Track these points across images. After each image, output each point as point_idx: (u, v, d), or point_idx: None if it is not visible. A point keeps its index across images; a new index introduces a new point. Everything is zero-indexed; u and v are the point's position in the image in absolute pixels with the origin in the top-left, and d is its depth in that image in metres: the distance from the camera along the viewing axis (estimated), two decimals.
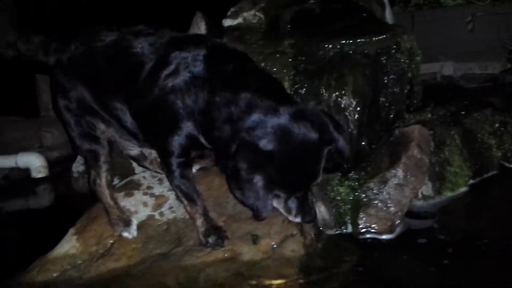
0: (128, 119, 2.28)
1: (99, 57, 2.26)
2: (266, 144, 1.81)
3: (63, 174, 3.90)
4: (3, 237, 3.11)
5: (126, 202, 2.50)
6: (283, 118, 1.82)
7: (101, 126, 2.37)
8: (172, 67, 2.03)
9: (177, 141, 2.09)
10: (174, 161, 2.15)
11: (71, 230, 2.41)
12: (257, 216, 1.91)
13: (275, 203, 2.04)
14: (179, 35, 2.23)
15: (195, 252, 2.25)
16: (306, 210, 2.03)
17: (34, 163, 3.80)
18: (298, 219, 2.06)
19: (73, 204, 3.44)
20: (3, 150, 4.09)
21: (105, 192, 2.42)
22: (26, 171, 3.86)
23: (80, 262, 2.26)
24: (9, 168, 3.85)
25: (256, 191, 1.82)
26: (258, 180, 1.80)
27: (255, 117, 1.84)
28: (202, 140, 2.06)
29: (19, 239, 3.06)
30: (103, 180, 2.42)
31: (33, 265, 2.29)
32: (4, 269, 2.46)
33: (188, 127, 2.04)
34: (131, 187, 2.59)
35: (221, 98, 1.92)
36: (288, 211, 2.07)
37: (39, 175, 3.83)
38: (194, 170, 2.56)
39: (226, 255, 2.21)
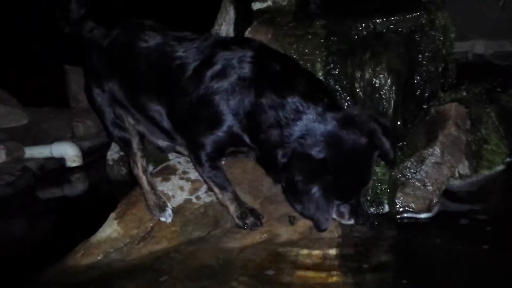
0: (164, 120, 2.30)
1: (140, 59, 2.26)
2: (318, 153, 1.82)
3: (96, 163, 3.98)
4: (42, 224, 3.22)
5: (164, 187, 2.54)
6: (331, 125, 1.83)
7: (130, 120, 2.42)
8: (218, 67, 2.03)
9: (215, 138, 2.10)
10: (206, 156, 2.18)
11: (112, 215, 2.47)
12: (317, 226, 1.90)
13: None
14: (224, 37, 2.23)
15: (233, 234, 2.29)
16: (358, 213, 2.01)
17: (68, 152, 3.89)
18: (351, 222, 2.04)
19: (109, 191, 3.51)
20: (37, 141, 4.19)
21: (142, 177, 2.47)
22: (61, 160, 3.94)
23: (122, 245, 2.32)
24: (44, 158, 3.94)
25: (316, 202, 1.81)
26: (316, 191, 1.80)
27: (303, 124, 1.85)
28: (247, 139, 2.07)
29: (58, 226, 3.16)
30: (139, 166, 2.48)
31: (77, 248, 2.36)
32: (46, 254, 2.55)
33: (230, 126, 2.05)
34: (167, 172, 2.63)
35: (268, 101, 1.93)
36: (341, 215, 2.05)
37: (74, 164, 3.91)
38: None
39: (263, 236, 2.24)
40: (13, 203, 3.41)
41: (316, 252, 2.11)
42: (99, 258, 2.28)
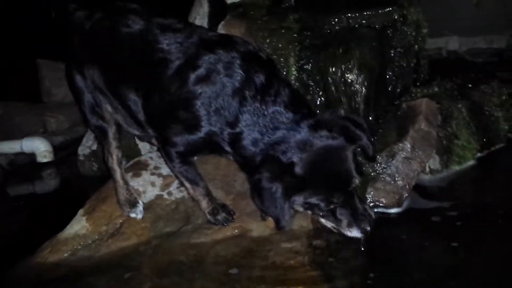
0: (139, 111, 2.25)
1: (122, 44, 2.21)
2: (287, 157, 1.86)
3: (68, 158, 3.90)
4: (11, 221, 3.14)
5: (134, 182, 2.50)
6: (303, 132, 1.88)
7: (109, 108, 2.36)
8: (202, 71, 2.01)
9: (190, 141, 2.09)
10: (176, 153, 2.16)
11: (81, 211, 2.42)
12: (276, 224, 1.92)
13: (322, 220, 2.03)
14: (208, 36, 2.17)
15: (204, 230, 2.26)
16: (358, 217, 1.94)
17: (39, 147, 3.80)
18: (354, 232, 1.96)
19: (80, 187, 3.44)
20: (8, 136, 4.08)
21: (116, 170, 2.43)
22: (32, 156, 3.85)
23: (90, 241, 2.27)
24: (15, 153, 3.85)
25: (275, 200, 1.83)
26: (276, 188, 1.82)
27: (280, 133, 1.91)
28: (227, 147, 2.07)
29: (26, 222, 3.08)
30: (114, 157, 2.43)
31: (44, 246, 2.31)
32: (13, 252, 2.48)
33: (208, 134, 2.04)
34: (138, 168, 2.59)
35: (251, 111, 1.96)
36: (339, 223, 1.98)
37: (45, 160, 3.83)
38: None
39: (235, 232, 2.23)
40: None
41: (287, 247, 2.10)
42: (66, 255, 2.24)
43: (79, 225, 2.34)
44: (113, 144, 2.41)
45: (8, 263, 2.30)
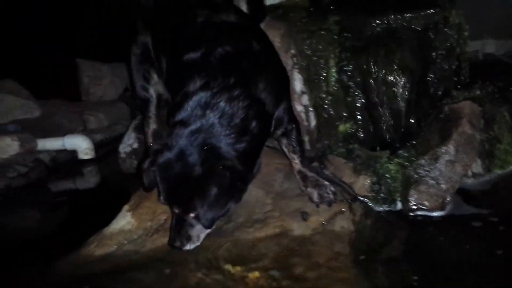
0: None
1: (179, 30, 2.37)
2: None
3: (108, 156, 4.02)
4: (54, 216, 3.26)
5: None
6: None
7: (155, 77, 2.51)
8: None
9: None
10: None
11: (126, 207, 2.49)
12: None
13: None
14: (232, 22, 2.27)
15: (246, 228, 2.30)
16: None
17: (81, 145, 3.93)
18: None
19: (121, 183, 3.55)
20: (49, 133, 4.22)
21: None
22: (73, 153, 3.99)
23: (135, 237, 2.34)
24: (57, 150, 3.98)
25: None
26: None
27: None
28: None
29: (70, 217, 3.19)
30: (150, 127, 2.61)
31: (91, 240, 2.39)
32: (59, 246, 2.58)
33: None
34: None
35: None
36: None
37: (86, 157, 3.95)
38: None
39: (276, 230, 2.26)
40: (26, 194, 3.46)
41: (329, 247, 2.12)
42: (112, 249, 2.31)
43: (124, 221, 2.41)
44: (152, 118, 2.58)
45: (52, 257, 2.37)
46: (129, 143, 3.50)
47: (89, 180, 3.86)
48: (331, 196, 2.25)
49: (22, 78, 4.71)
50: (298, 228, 2.24)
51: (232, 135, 2.01)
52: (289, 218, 2.28)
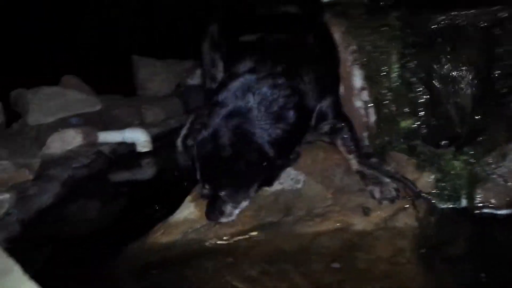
0: None
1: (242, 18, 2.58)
2: None
3: (165, 149, 4.14)
4: (116, 205, 3.42)
5: None
6: None
7: (220, 65, 2.59)
8: None
9: None
10: None
11: (189, 198, 2.58)
12: None
13: None
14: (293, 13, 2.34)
15: (306, 222, 2.34)
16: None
17: (140, 138, 4.08)
18: None
19: (178, 175, 3.65)
20: (107, 127, 4.40)
21: None
22: (132, 145, 4.14)
23: (199, 226, 2.42)
24: (117, 143, 4.15)
25: None
26: None
27: None
28: None
29: (130, 207, 3.31)
30: None
31: (157, 228, 2.49)
32: (124, 233, 2.70)
33: None
34: None
35: None
36: None
37: (144, 150, 4.09)
38: None
39: (337, 225, 2.28)
40: (88, 184, 3.63)
41: (392, 242, 2.13)
42: (178, 237, 2.41)
43: (188, 211, 2.51)
44: None
45: (121, 243, 2.48)
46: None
47: (147, 171, 4.01)
48: (394, 193, 2.25)
49: (82, 75, 4.95)
50: (359, 223, 2.26)
51: (267, 121, 2.08)
52: (350, 213, 2.30)
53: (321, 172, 2.57)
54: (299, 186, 2.51)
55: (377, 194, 2.29)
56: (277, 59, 2.16)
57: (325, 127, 2.48)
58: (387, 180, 2.32)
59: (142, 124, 4.61)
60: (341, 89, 2.70)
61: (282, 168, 2.31)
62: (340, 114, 2.47)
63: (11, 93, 4.22)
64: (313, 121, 2.34)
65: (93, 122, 4.36)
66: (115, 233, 2.74)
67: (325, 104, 2.34)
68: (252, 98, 2.07)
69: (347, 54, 2.63)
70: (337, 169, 2.50)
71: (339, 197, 2.41)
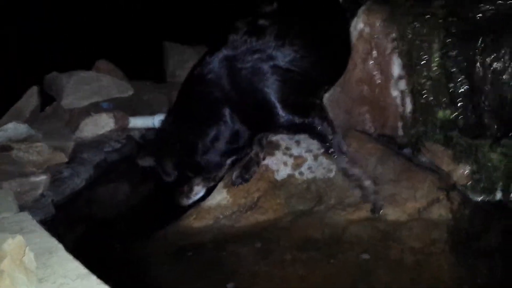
0: None
1: None
2: None
3: None
4: (142, 189, 3.48)
5: (269, 161, 2.63)
6: None
7: None
8: None
9: None
10: None
11: (221, 184, 2.61)
12: None
13: None
14: None
15: (338, 211, 2.34)
16: None
17: None
18: None
19: None
20: (136, 112, 4.44)
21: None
22: None
23: (231, 212, 2.45)
24: (146, 128, 4.19)
25: None
26: None
27: None
28: None
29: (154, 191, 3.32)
30: None
31: (189, 212, 2.52)
32: (155, 216, 2.75)
33: None
34: (272, 147, 2.72)
35: None
36: None
37: None
38: None
39: (370, 214, 2.27)
40: (119, 168, 3.70)
41: (425, 233, 2.11)
42: (210, 222, 2.44)
43: (220, 196, 2.53)
44: None
45: (154, 226, 2.52)
46: None
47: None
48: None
49: (114, 59, 4.99)
50: (393, 214, 2.24)
51: None
52: (383, 202, 2.28)
53: (353, 161, 2.55)
54: (331, 175, 2.51)
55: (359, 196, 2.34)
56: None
57: None
58: (368, 182, 2.33)
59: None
60: (377, 78, 2.67)
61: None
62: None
63: (46, 77, 4.28)
64: None
65: (123, 107, 4.41)
66: (147, 216, 2.80)
67: None
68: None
69: (386, 42, 2.58)
70: (370, 158, 2.48)
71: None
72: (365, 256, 2.02)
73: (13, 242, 1.47)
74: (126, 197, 3.39)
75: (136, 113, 4.38)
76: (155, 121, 4.14)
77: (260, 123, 2.42)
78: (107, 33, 5.64)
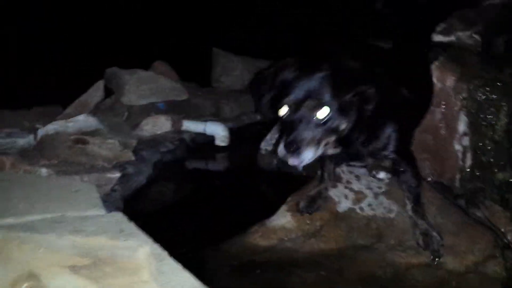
0: None
1: None
2: None
3: (239, 146, 4.36)
4: (188, 189, 3.68)
5: (331, 192, 2.82)
6: None
7: None
8: None
9: None
10: None
11: (284, 207, 2.77)
12: None
13: None
14: None
15: (399, 252, 2.51)
16: None
17: (219, 132, 4.29)
18: None
19: (256, 176, 3.84)
20: (188, 115, 4.62)
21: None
22: (210, 137, 4.36)
23: (295, 236, 2.62)
24: (197, 133, 4.37)
25: None
26: None
27: None
28: None
29: (210, 199, 3.40)
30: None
31: (254, 229, 2.67)
32: (214, 225, 2.91)
33: None
34: (335, 179, 2.90)
35: None
36: None
37: (221, 144, 4.31)
38: None
39: (429, 260, 2.45)
40: (174, 169, 3.87)
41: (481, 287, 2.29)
42: (275, 243, 2.60)
43: (285, 219, 2.69)
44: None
45: (217, 239, 2.65)
46: (271, 142, 3.80)
47: (221, 165, 4.23)
48: (436, 247, 2.41)
49: (166, 59, 5.17)
50: (451, 263, 2.41)
51: None
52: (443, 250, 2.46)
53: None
54: (391, 215, 2.69)
55: (421, 244, 2.44)
56: None
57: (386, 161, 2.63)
58: (435, 233, 2.44)
59: (218, 117, 4.82)
60: (442, 131, 2.85)
61: None
62: (406, 153, 2.52)
63: (107, 70, 4.47)
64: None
65: (176, 109, 4.60)
66: (210, 223, 2.93)
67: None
68: None
69: (456, 99, 2.76)
70: (431, 206, 2.65)
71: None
72: None
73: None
74: (187, 200, 3.46)
75: (186, 116, 4.57)
76: (207, 127, 4.34)
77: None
78: (161, 34, 5.84)
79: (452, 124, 2.82)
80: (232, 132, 4.57)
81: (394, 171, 2.67)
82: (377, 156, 2.42)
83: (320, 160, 2.81)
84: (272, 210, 2.81)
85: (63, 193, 2.41)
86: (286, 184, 3.41)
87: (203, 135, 4.39)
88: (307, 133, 1.98)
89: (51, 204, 2.23)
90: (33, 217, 2.05)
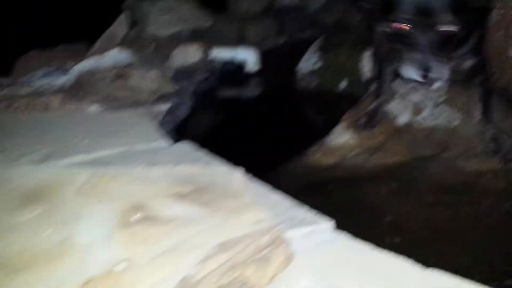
0: None
1: None
2: None
3: (273, 69, 4.22)
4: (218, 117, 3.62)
5: (389, 106, 2.74)
6: None
7: None
8: None
9: None
10: None
11: (341, 125, 2.72)
12: None
13: None
14: None
15: (467, 159, 2.46)
16: None
17: (250, 58, 4.14)
18: None
19: (299, 99, 3.76)
20: (214, 43, 4.42)
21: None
22: (241, 64, 4.20)
23: (358, 152, 2.59)
24: (227, 60, 4.21)
25: None
26: None
27: None
28: None
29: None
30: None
31: (315, 149, 2.64)
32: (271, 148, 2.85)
33: None
34: (391, 93, 2.80)
35: None
36: None
37: (253, 69, 4.17)
38: None
39: (500, 166, 2.41)
40: (210, 98, 3.78)
41: None
42: (338, 160, 2.57)
43: (345, 137, 2.65)
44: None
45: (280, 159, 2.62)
46: (311, 62, 3.66)
47: (261, 89, 4.11)
48: None
49: None
50: None
51: None
52: None
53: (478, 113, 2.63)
54: (455, 123, 2.62)
55: (492, 148, 2.42)
56: None
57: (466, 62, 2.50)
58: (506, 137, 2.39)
59: (243, 43, 4.62)
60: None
61: None
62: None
63: (125, 2, 4.21)
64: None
65: (200, 37, 4.39)
66: (266, 147, 2.86)
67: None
68: None
69: None
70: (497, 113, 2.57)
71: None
72: (507, 205, 2.18)
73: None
74: (235, 127, 3.36)
75: (212, 43, 4.37)
76: (237, 53, 4.18)
77: None
78: None
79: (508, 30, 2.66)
80: (260, 56, 4.42)
81: (467, 73, 2.54)
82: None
83: (379, 73, 2.71)
84: (325, 130, 2.76)
85: (122, 127, 2.34)
86: (331, 103, 3.34)
87: (233, 61, 4.23)
88: None
89: (114, 140, 2.16)
90: (103, 152, 1.98)
